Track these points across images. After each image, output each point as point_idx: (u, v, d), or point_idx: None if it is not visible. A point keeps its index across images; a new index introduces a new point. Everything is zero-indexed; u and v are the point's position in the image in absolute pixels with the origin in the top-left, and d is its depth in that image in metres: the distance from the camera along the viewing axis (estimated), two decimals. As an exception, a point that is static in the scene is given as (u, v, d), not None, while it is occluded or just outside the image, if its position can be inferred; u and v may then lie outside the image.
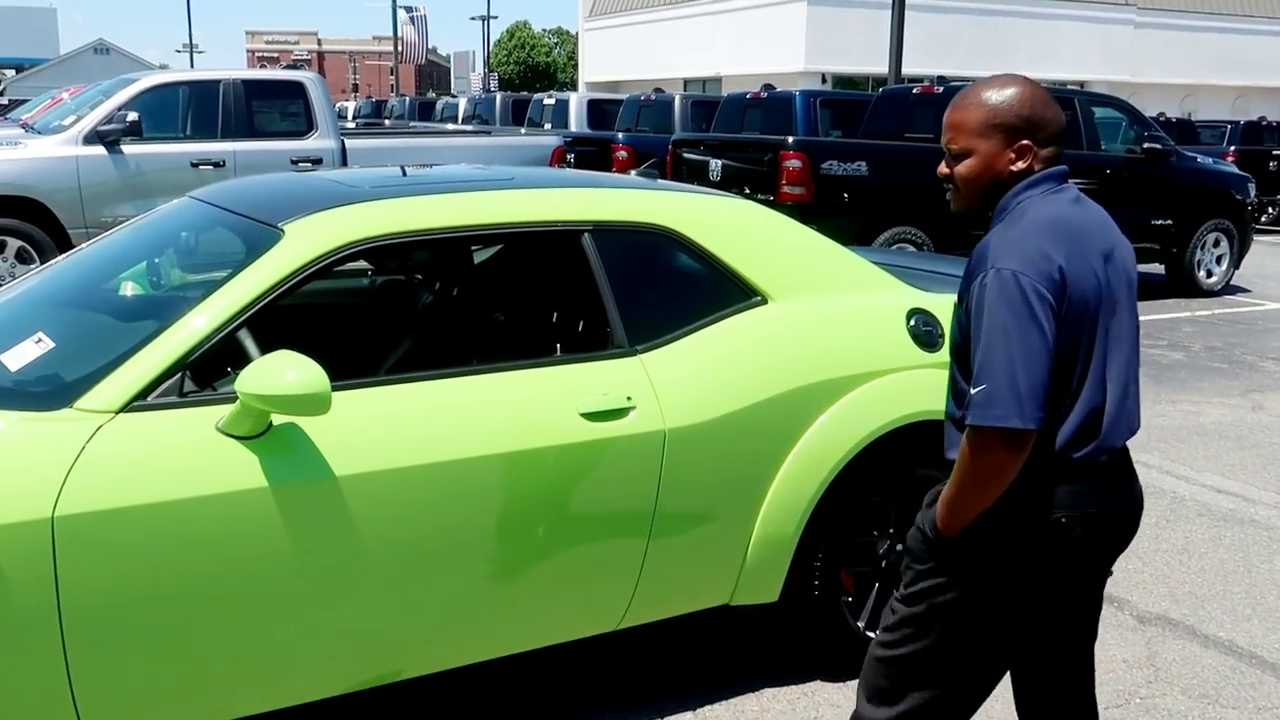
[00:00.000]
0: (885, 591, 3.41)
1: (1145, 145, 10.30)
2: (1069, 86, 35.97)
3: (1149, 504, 4.93)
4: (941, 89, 10.51)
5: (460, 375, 2.77)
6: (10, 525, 2.20)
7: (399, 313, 3.68)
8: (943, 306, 3.47)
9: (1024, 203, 2.10)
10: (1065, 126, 2.16)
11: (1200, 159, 11.14)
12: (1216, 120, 22.79)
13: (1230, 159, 17.12)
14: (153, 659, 2.39)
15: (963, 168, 2.13)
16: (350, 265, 4.13)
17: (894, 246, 8.92)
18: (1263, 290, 11.54)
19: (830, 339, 3.21)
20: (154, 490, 2.33)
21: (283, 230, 2.70)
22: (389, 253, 2.88)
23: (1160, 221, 10.39)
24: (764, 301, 3.17)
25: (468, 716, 3.10)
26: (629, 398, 2.87)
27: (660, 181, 3.75)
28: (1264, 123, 20.88)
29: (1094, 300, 2.02)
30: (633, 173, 3.86)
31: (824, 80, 32.57)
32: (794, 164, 8.61)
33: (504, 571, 2.76)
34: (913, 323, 3.37)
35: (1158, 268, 11.18)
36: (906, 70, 29.73)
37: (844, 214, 8.85)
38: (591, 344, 3.17)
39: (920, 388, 3.28)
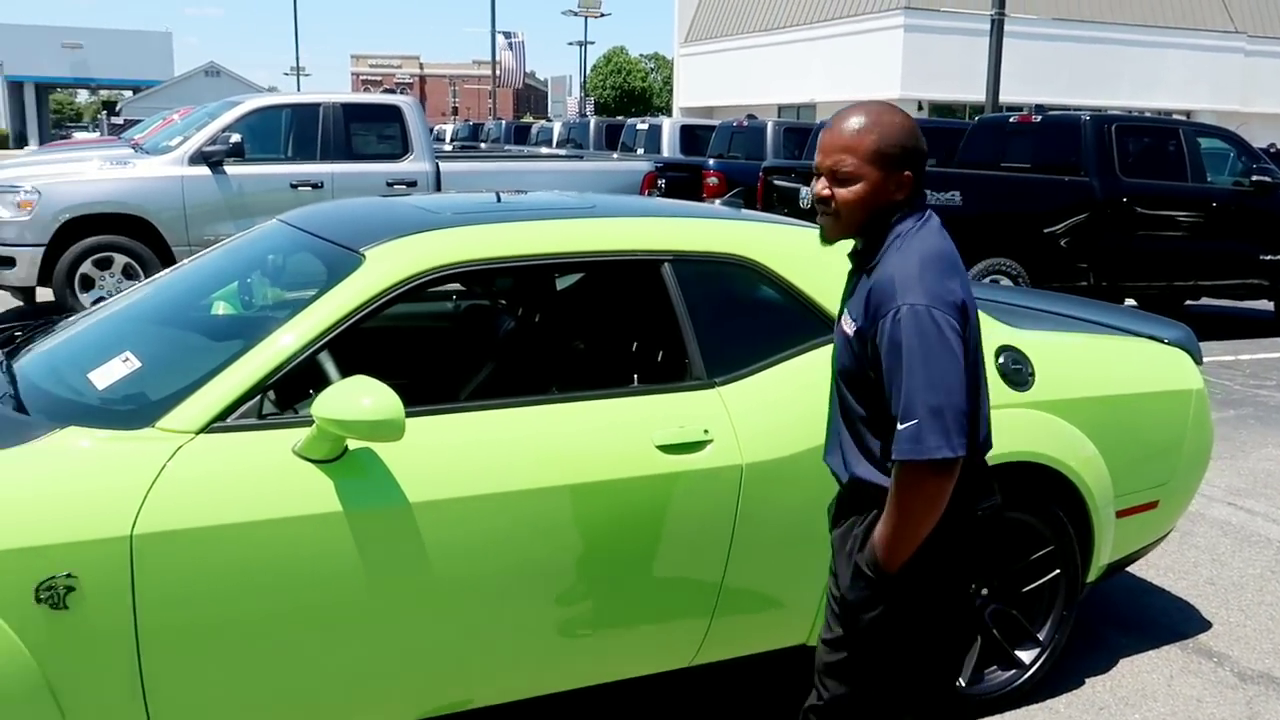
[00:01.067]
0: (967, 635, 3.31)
1: (1254, 178, 9.94)
2: (1174, 115, 35.12)
3: (1253, 554, 4.71)
4: (1040, 118, 10.28)
5: (536, 404, 2.75)
6: (91, 542, 2.24)
7: (479, 338, 3.68)
8: (1034, 344, 3.36)
9: (903, 235, 2.11)
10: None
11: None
12: (1332, 152, 21.93)
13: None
14: (224, 678, 2.41)
15: (848, 193, 2.09)
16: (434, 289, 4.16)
17: (987, 279, 8.73)
18: (1380, 330, 11.01)
19: (915, 375, 3.12)
20: (229, 512, 2.35)
21: (364, 255, 2.72)
22: (468, 279, 2.88)
23: (1269, 256, 9.99)
24: (847, 335, 3.10)
25: (535, 748, 3.07)
26: (706, 430, 2.82)
27: (744, 211, 3.70)
28: (1385, 155, 20.03)
29: (976, 324, 2.12)
30: (717, 202, 3.82)
31: (920, 107, 32.21)
32: (885, 192, 8.48)
33: (576, 602, 2.73)
34: (1001, 360, 3.26)
35: (1266, 304, 10.75)
36: (1006, 98, 29.30)
37: (936, 244, 8.68)
38: (669, 375, 3.13)
39: (1008, 427, 3.17)
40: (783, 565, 2.97)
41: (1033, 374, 3.29)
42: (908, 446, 1.99)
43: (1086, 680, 3.56)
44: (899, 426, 2.00)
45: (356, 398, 2.34)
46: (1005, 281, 8.82)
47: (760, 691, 3.41)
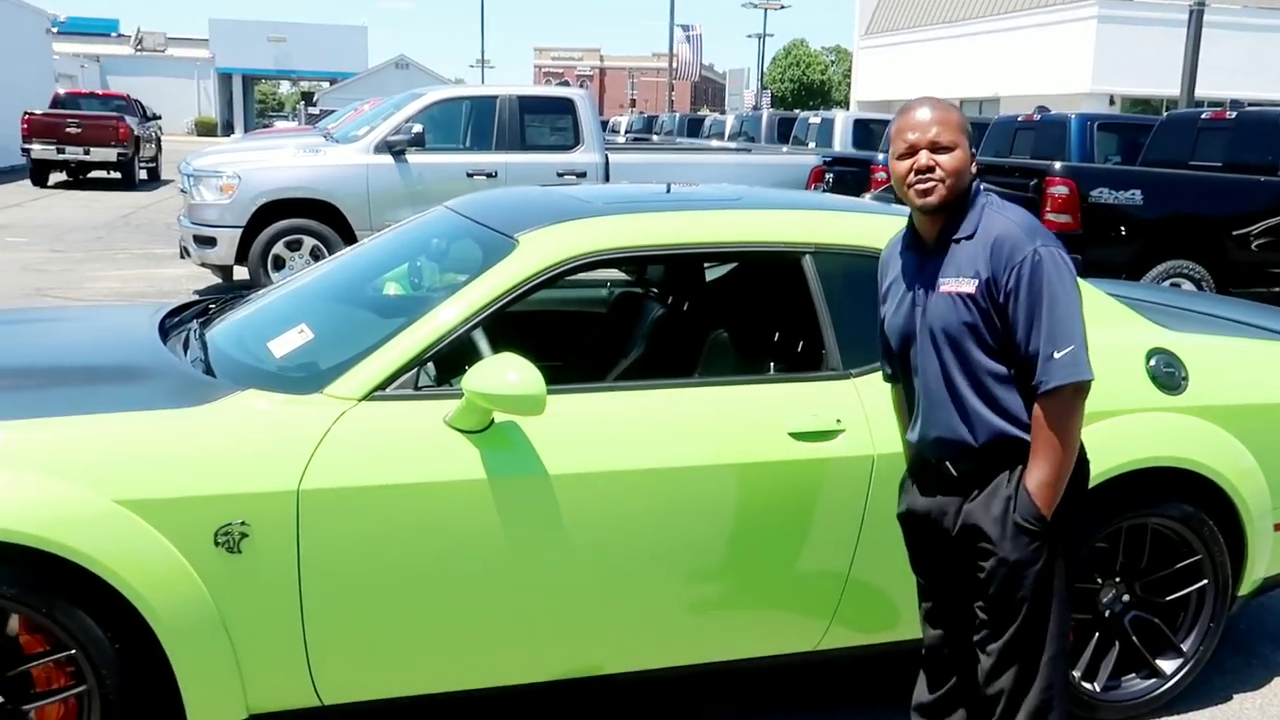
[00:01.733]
0: (1105, 641, 3.26)
1: None
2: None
3: None
4: (1235, 114, 9.77)
5: (675, 387, 2.88)
6: (263, 494, 2.48)
7: (628, 323, 3.82)
8: (1188, 347, 3.28)
9: (991, 202, 2.41)
10: None
11: None
12: None
13: None
14: (378, 626, 2.62)
15: (951, 160, 2.34)
16: (589, 275, 4.34)
17: (1168, 282, 8.37)
18: None
19: (1058, 374, 3.09)
20: (385, 473, 2.56)
21: (518, 240, 2.89)
22: (616, 265, 3.02)
23: None
24: (989, 331, 3.09)
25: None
26: (839, 420, 2.88)
27: (892, 206, 3.72)
28: None
29: None
30: (867, 196, 3.86)
31: (1111, 102, 30.82)
32: (1060, 190, 8.23)
33: (705, 580, 2.84)
34: (1153, 362, 3.19)
35: None
36: (1204, 93, 27.75)
37: (1114, 245, 8.37)
38: (807, 364, 3.20)
39: (1156, 431, 3.12)
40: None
41: (1186, 378, 3.21)
42: (1069, 370, 2.27)
43: (1235, 696, 3.45)
44: (1055, 355, 2.26)
45: (503, 373, 2.51)
46: (1188, 285, 8.44)
47: (888, 689, 3.44)
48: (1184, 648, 3.30)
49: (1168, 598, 3.28)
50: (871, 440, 2.89)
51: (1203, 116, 10.11)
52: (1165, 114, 11.09)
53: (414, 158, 9.30)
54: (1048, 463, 2.31)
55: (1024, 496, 2.34)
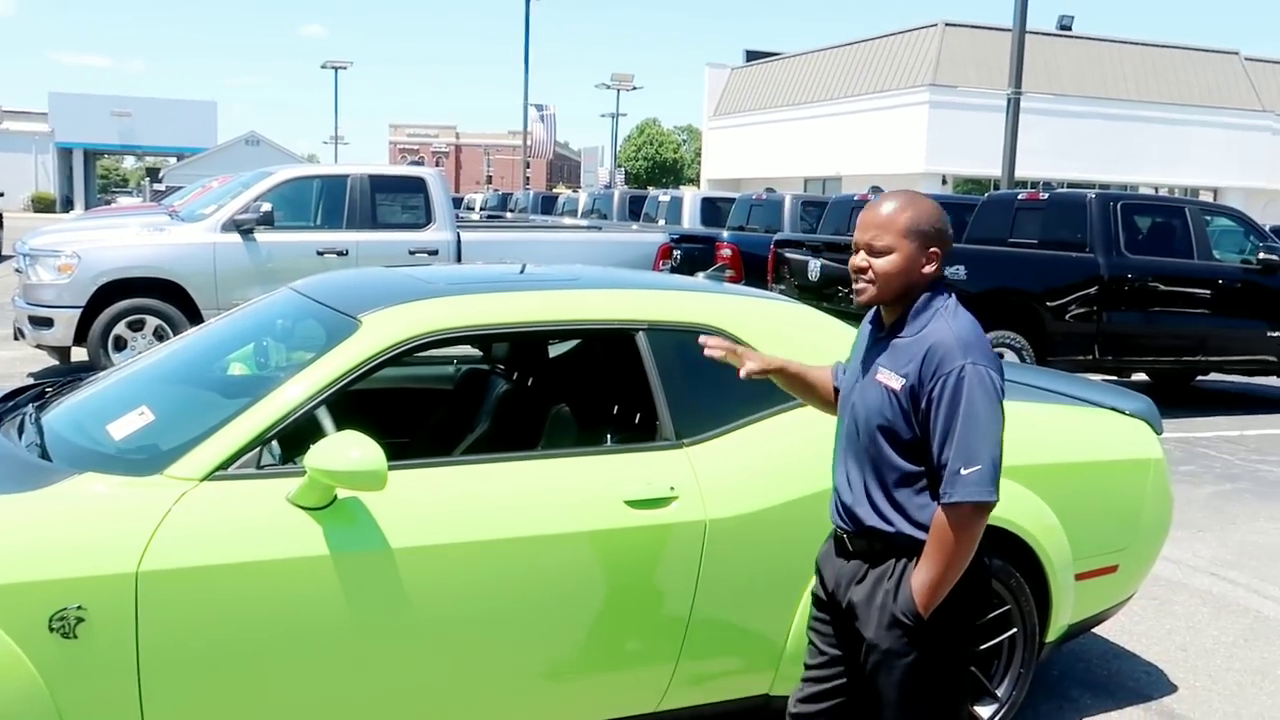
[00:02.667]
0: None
1: (1261, 256, 10.09)
2: (1201, 192, 35.25)
3: (1229, 623, 4.82)
4: (1047, 195, 10.52)
5: (516, 460, 2.99)
6: (100, 577, 2.48)
7: (474, 399, 3.93)
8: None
9: (947, 307, 2.41)
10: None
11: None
12: (1355, 230, 22.00)
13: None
14: (220, 707, 2.62)
15: (884, 264, 2.39)
16: (437, 352, 4.44)
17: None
18: (1393, 408, 11.05)
19: (874, 440, 3.32)
20: (227, 552, 2.59)
21: (360, 321, 2.99)
22: (458, 344, 3.13)
23: (1277, 334, 10.11)
24: (810, 401, 3.31)
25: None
26: (672, 487, 3.04)
27: (723, 285, 3.94)
28: (1406, 234, 20.08)
29: None
30: (700, 275, 4.07)
31: (944, 181, 32.60)
32: (891, 266, 8.71)
33: (549, 647, 2.93)
34: (960, 427, 3.45)
35: (1275, 381, 10.84)
36: (1034, 173, 29.63)
37: (942, 317, 8.88)
38: (641, 435, 3.35)
39: (965, 491, 3.36)
40: (746, 616, 3.15)
41: (991, 441, 3.47)
42: (974, 489, 2.26)
43: (1047, 737, 3.70)
44: (963, 471, 2.26)
45: (345, 450, 2.58)
46: (1010, 355, 8.98)
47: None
48: (999, 693, 3.54)
49: (982, 646, 3.51)
50: (704, 506, 3.05)
51: (1019, 197, 10.85)
52: (986, 195, 11.84)
53: (263, 236, 9.24)
54: (936, 567, 2.31)
55: (905, 592, 2.37)
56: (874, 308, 2.52)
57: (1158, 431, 3.92)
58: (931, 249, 2.40)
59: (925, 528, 2.37)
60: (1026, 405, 3.79)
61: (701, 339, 2.71)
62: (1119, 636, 4.59)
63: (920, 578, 2.34)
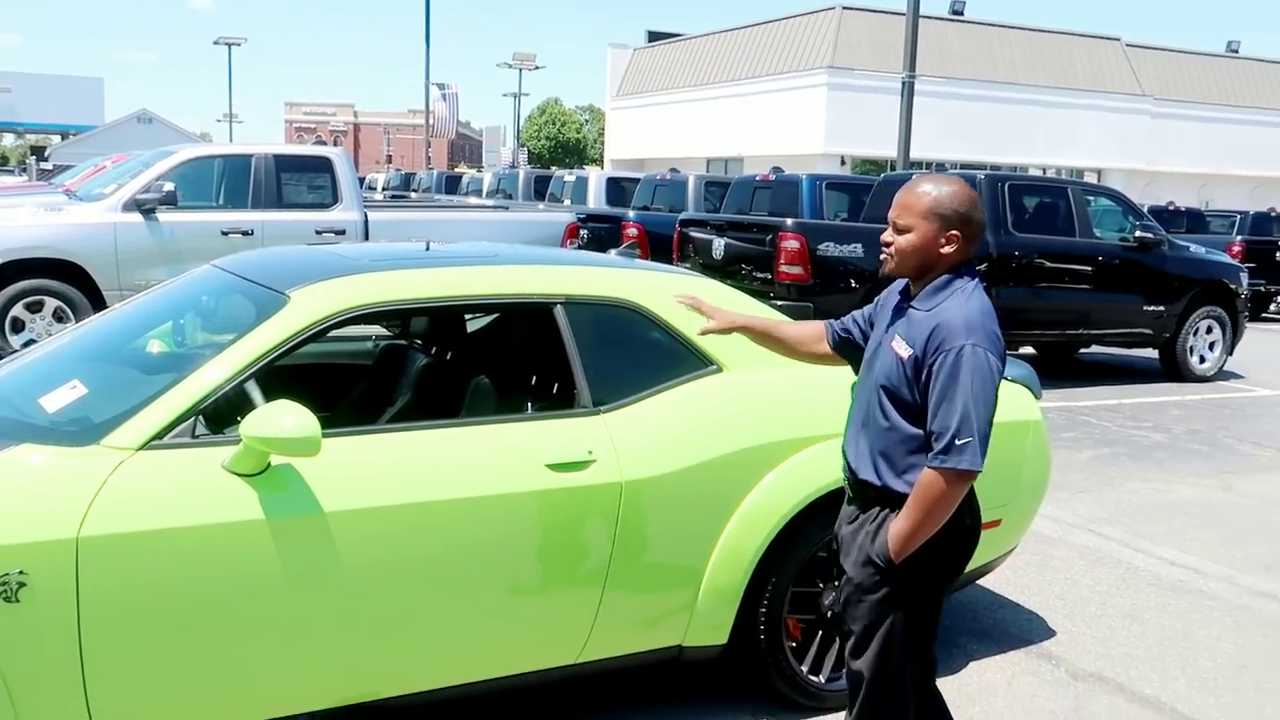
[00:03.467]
0: (829, 638, 3.72)
1: (1137, 234, 10.65)
2: (1086, 174, 36.57)
3: (1103, 574, 5.20)
4: (940, 176, 10.93)
5: (440, 428, 3.14)
6: (41, 543, 2.57)
7: (395, 373, 4.05)
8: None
9: (965, 289, 2.60)
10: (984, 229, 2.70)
11: (1193, 248, 11.47)
12: (1227, 210, 23.16)
13: (1237, 248, 17.48)
14: (160, 668, 2.73)
15: (904, 240, 2.63)
16: (359, 330, 4.55)
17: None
18: (1258, 377, 11.78)
19: (778, 406, 3.56)
20: (165, 518, 2.69)
21: (289, 297, 3.10)
22: (384, 318, 3.27)
23: (1152, 308, 10.69)
24: (718, 370, 3.53)
25: (439, 740, 3.41)
26: (590, 451, 3.22)
27: (636, 260, 4.14)
28: (1273, 214, 21.23)
29: None
30: (613, 252, 4.26)
31: (843, 162, 33.24)
32: (792, 245, 9.02)
33: (474, 603, 3.10)
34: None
35: (1151, 354, 11.46)
36: (927, 155, 30.40)
37: (841, 294, 9.24)
38: (560, 404, 3.53)
39: (861, 452, 3.61)
40: (661, 572, 3.36)
41: (884, 405, 3.73)
42: (964, 458, 2.46)
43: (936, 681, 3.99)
44: (956, 441, 2.46)
45: (279, 418, 2.71)
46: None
47: (641, 693, 3.78)
48: (893, 639, 3.81)
49: (878, 596, 3.77)
50: (620, 468, 3.24)
51: (913, 177, 11.23)
52: (881, 176, 12.23)
53: (165, 216, 9.14)
54: (911, 521, 2.53)
55: (882, 537, 2.61)
56: (905, 280, 2.74)
57: (1037, 396, 4.23)
58: (951, 232, 2.60)
59: (907, 485, 2.59)
60: (917, 372, 4.07)
61: (678, 295, 3.01)
62: (1003, 588, 4.93)
63: (896, 527, 2.57)
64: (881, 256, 2.68)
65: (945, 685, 3.91)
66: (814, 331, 3.08)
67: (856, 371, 2.91)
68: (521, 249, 4.05)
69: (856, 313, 3.05)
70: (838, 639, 3.72)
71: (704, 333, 3.04)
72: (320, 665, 2.94)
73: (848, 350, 3.03)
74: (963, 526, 2.67)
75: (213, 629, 2.77)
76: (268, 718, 2.93)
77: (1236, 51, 43.12)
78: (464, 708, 3.57)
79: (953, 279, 2.62)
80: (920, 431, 2.59)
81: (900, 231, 2.62)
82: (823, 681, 3.69)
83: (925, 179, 2.66)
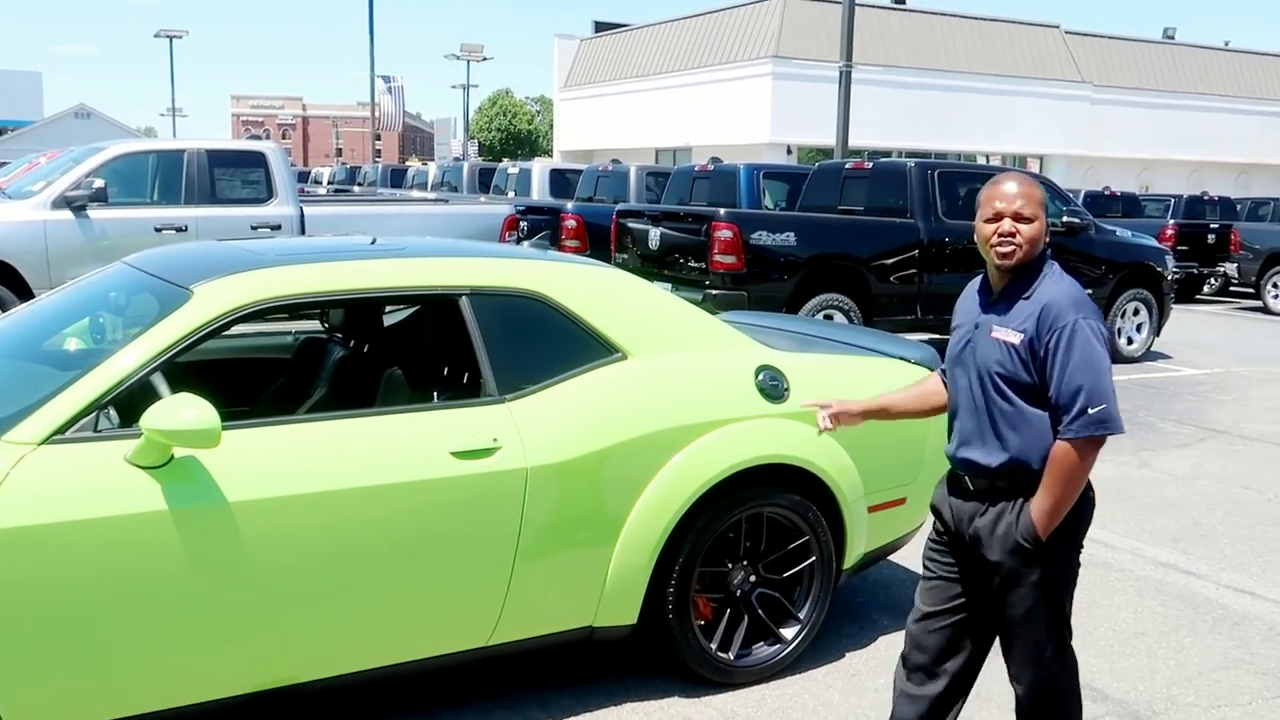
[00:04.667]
0: (737, 616, 3.83)
1: (1065, 219, 10.89)
2: (1028, 160, 37.04)
3: (1015, 549, 5.36)
4: (872, 165, 11.11)
5: (345, 418, 3.21)
6: (-58, 538, 2.61)
7: (312, 366, 4.11)
8: (789, 363, 3.93)
9: (1055, 272, 2.80)
10: None
11: (1119, 232, 11.75)
12: (1161, 194, 23.64)
13: (1170, 232, 17.87)
14: (67, 660, 2.78)
15: (1030, 230, 2.75)
16: (278, 324, 4.59)
17: (821, 314, 9.42)
18: (1185, 358, 12.09)
19: (682, 391, 3.66)
20: (68, 511, 2.74)
21: (192, 291, 3.15)
22: (288, 311, 3.32)
23: (1080, 291, 10.91)
24: (623, 357, 3.63)
25: (355, 724, 3.49)
26: (495, 439, 3.31)
27: (548, 252, 4.22)
28: (1206, 197, 21.71)
29: None
30: (526, 244, 4.33)
31: (789, 151, 33.44)
32: (725, 234, 9.13)
33: (384, 588, 3.17)
34: (760, 377, 3.82)
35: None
36: (872, 143, 30.69)
37: (775, 282, 9.36)
38: (467, 393, 3.61)
39: (765, 434, 3.73)
40: (568, 555, 3.45)
41: (788, 388, 3.86)
42: (1101, 425, 2.62)
43: (847, 654, 4.13)
44: (1090, 410, 2.62)
45: (179, 410, 2.77)
46: (839, 317, 9.52)
47: (554, 673, 3.87)
48: (801, 616, 3.94)
49: (785, 574, 3.90)
50: (525, 454, 3.33)
51: (847, 166, 11.41)
52: (816, 165, 12.39)
53: (96, 213, 9.07)
54: (1054, 495, 2.67)
55: (1025, 519, 2.72)
56: (980, 283, 2.90)
57: (940, 377, 4.36)
58: (1049, 222, 2.84)
59: (1040, 463, 2.72)
60: (823, 357, 4.20)
61: (816, 412, 3.17)
62: (916, 564, 5.04)
63: (1040, 505, 2.70)
64: (1004, 249, 2.75)
65: (855, 658, 4.06)
66: (932, 387, 3.19)
67: None
68: (431, 241, 4.12)
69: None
70: (746, 617, 3.85)
71: (839, 424, 3.18)
72: (232, 653, 3.00)
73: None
74: (1088, 491, 2.81)
75: (119, 620, 2.82)
76: (185, 704, 2.99)
77: (1173, 38, 43.89)
78: (383, 690, 3.65)
79: (1043, 263, 2.80)
80: (1043, 411, 2.72)
81: (1027, 221, 2.74)
82: (732, 658, 3.80)
83: (1018, 175, 2.84)
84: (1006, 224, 2.75)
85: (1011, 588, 2.79)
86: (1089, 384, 2.63)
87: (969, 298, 2.96)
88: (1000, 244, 2.76)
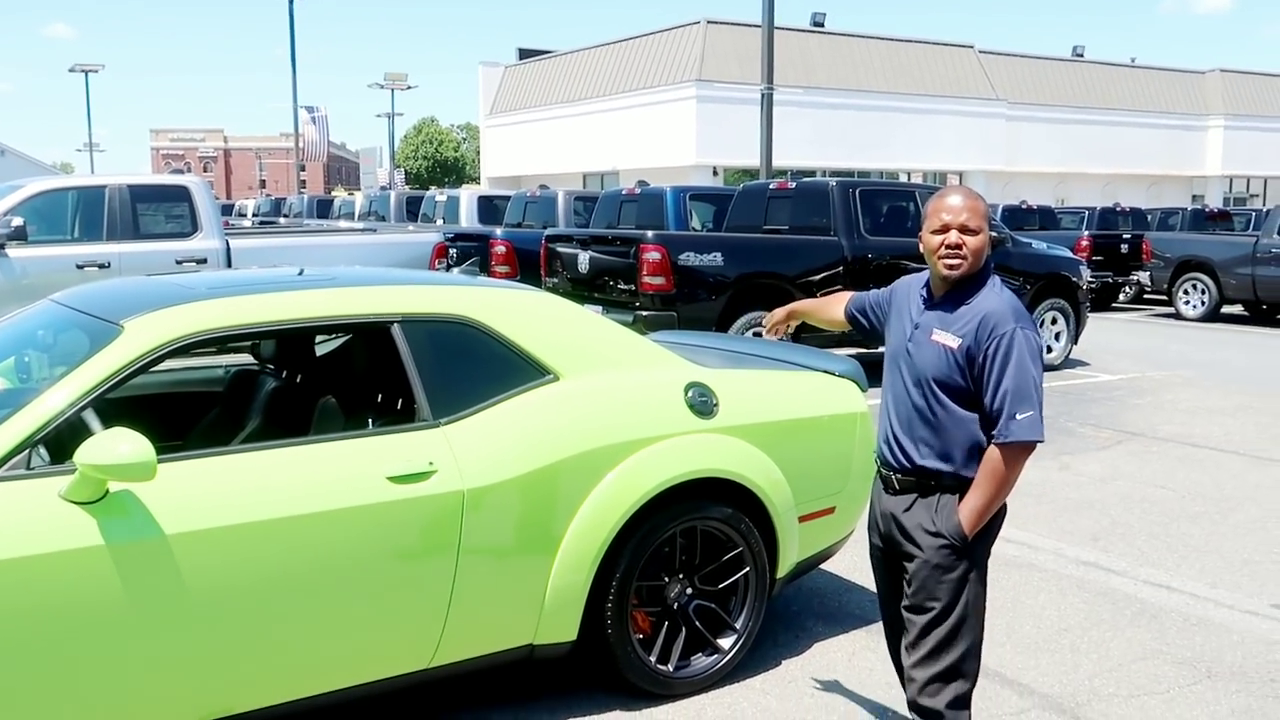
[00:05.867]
0: (674, 628, 3.91)
1: (983, 233, 11.17)
2: (949, 176, 37.85)
3: (943, 554, 5.52)
4: (795, 184, 11.34)
5: (280, 448, 3.23)
6: (-127, 581, 2.59)
7: (245, 398, 4.12)
8: (717, 379, 4.04)
9: (996, 283, 2.94)
10: None
11: (1035, 244, 12.11)
12: (1077, 207, 24.34)
13: (1085, 243, 18.41)
14: (2, 695, 2.77)
15: (975, 242, 2.88)
16: (211, 359, 4.59)
17: (750, 332, 9.57)
18: (1102, 364, 12.47)
19: (613, 410, 3.74)
20: (1, 548, 2.73)
21: (123, 327, 3.17)
22: (220, 344, 3.34)
23: (1000, 302, 11.22)
24: (555, 379, 3.70)
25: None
26: (430, 462, 3.35)
27: (477, 278, 4.28)
28: (1118, 209, 22.42)
29: None
30: (455, 270, 4.39)
31: (715, 173, 33.81)
32: (654, 256, 9.26)
33: (323, 615, 3.19)
34: (690, 394, 3.92)
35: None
36: (796, 163, 31.16)
37: (703, 301, 9.51)
38: (402, 418, 3.66)
39: (696, 449, 3.82)
40: (507, 575, 3.50)
41: (717, 404, 3.96)
42: (1027, 430, 2.76)
43: (783, 661, 4.22)
44: (1018, 416, 2.75)
45: (114, 445, 2.78)
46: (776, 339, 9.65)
47: (496, 691, 3.92)
48: (737, 626, 4.02)
49: (720, 585, 3.99)
50: (461, 477, 3.38)
51: (771, 186, 11.63)
52: (741, 185, 12.59)
53: (15, 252, 8.94)
54: (985, 497, 2.83)
55: (953, 518, 2.87)
56: (924, 282, 3.02)
57: (863, 389, 4.51)
58: (991, 234, 2.95)
59: (969, 464, 2.87)
60: (751, 373, 4.31)
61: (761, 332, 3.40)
62: (848, 572, 5.20)
63: (970, 505, 2.85)
64: (951, 260, 2.87)
65: (790, 666, 4.16)
66: (836, 299, 3.55)
67: (863, 336, 3.45)
68: (362, 270, 4.17)
69: (872, 296, 3.38)
70: (683, 629, 3.93)
71: (770, 327, 3.68)
72: (171, 685, 3.00)
73: (855, 322, 3.43)
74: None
75: (56, 657, 2.82)
76: (120, 740, 2.98)
77: (1082, 55, 45.24)
78: (324, 716, 3.66)
79: (986, 275, 2.93)
80: (974, 415, 2.86)
81: (973, 233, 2.86)
82: (671, 670, 3.88)
83: (960, 189, 2.96)
84: (953, 235, 2.86)
85: (934, 582, 2.92)
86: (1024, 392, 2.76)
87: (913, 291, 3.08)
88: (948, 256, 2.87)
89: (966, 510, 2.86)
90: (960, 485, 2.91)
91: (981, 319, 2.82)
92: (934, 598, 2.93)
